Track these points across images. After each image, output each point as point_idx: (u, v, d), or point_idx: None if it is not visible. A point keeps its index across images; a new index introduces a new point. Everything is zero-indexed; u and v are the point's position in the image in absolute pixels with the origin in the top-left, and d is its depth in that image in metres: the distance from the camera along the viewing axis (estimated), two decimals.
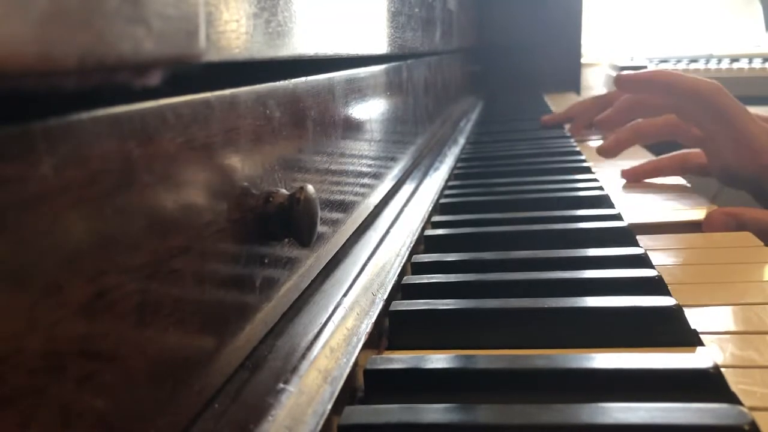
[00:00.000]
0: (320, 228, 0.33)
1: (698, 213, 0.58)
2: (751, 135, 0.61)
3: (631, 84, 0.72)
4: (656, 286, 0.39)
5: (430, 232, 0.55)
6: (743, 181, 0.65)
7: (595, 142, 1.04)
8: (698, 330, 0.34)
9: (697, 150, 0.71)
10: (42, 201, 0.16)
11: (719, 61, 1.99)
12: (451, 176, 0.78)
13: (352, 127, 0.47)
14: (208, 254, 0.24)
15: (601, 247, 0.46)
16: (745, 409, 0.26)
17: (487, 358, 0.32)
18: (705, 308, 0.38)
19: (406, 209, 0.57)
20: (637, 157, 0.81)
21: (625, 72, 0.75)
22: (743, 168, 0.62)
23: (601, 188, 0.66)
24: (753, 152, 0.61)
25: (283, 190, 0.30)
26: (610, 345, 0.34)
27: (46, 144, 0.16)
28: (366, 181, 0.50)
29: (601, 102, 1.05)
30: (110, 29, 0.15)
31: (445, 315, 0.37)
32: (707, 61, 1.99)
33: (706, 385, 0.29)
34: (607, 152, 0.81)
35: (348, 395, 0.30)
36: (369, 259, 0.43)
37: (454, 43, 1.20)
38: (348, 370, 0.30)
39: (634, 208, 0.62)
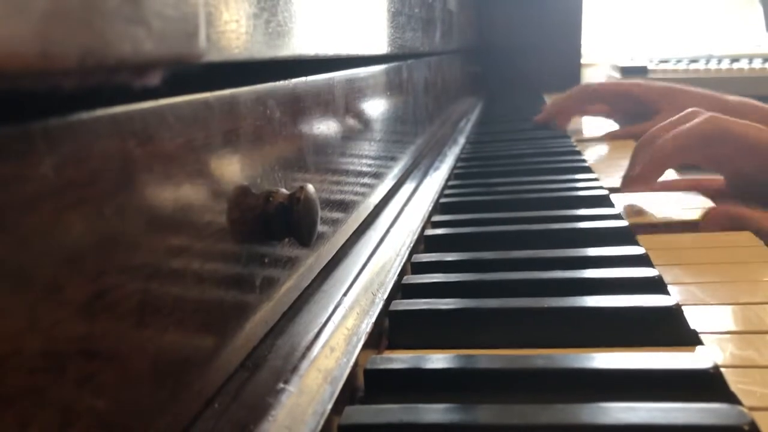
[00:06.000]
0: (320, 227, 0.33)
1: (699, 213, 0.58)
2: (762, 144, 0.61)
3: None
4: (656, 285, 0.39)
5: (430, 231, 0.55)
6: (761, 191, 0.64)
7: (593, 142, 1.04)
8: (698, 330, 0.34)
9: (711, 177, 0.70)
10: (42, 201, 0.16)
11: (719, 61, 1.99)
12: (451, 176, 0.78)
13: (352, 127, 0.47)
14: (208, 254, 0.24)
15: (601, 247, 0.46)
16: (744, 409, 0.26)
17: (487, 358, 0.32)
18: (705, 308, 0.38)
19: (406, 209, 0.57)
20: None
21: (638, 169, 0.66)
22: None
23: (601, 188, 0.66)
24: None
25: (284, 190, 0.30)
26: (610, 345, 0.34)
27: (46, 144, 0.16)
28: (366, 180, 0.50)
29: (582, 93, 1.12)
30: (110, 29, 0.15)
31: (445, 315, 0.37)
32: (707, 61, 1.99)
33: (706, 384, 0.29)
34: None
35: (348, 395, 0.30)
36: (369, 258, 0.43)
37: (454, 43, 1.20)
38: (348, 369, 0.30)
39: (635, 207, 0.62)
